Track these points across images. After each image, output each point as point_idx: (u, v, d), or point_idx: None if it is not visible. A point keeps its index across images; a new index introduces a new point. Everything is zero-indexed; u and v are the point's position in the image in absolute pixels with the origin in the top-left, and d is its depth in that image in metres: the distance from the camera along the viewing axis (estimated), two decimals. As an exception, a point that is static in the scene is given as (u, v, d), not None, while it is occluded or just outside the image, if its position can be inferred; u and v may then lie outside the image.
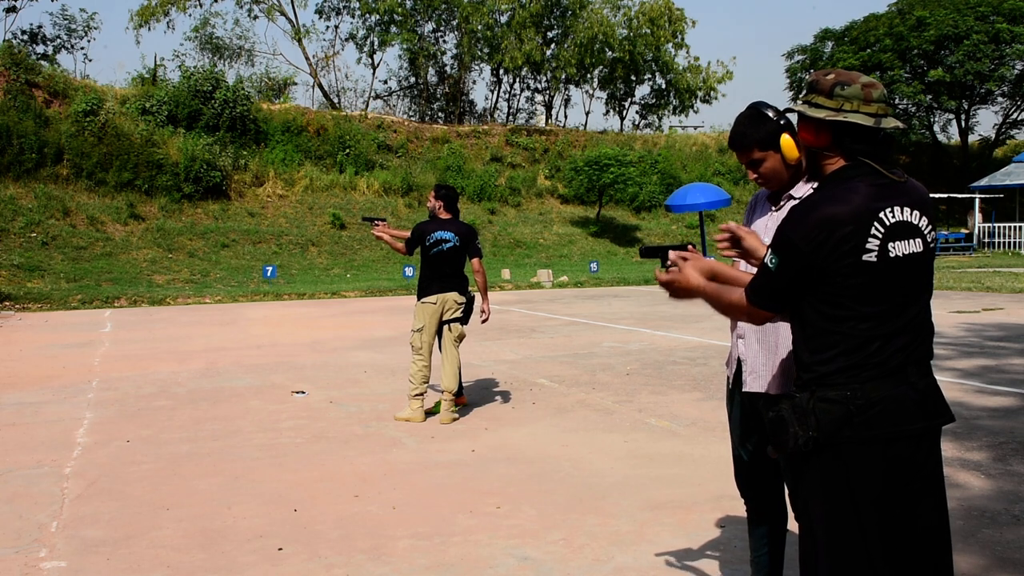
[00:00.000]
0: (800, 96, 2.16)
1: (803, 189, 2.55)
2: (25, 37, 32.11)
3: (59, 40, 33.04)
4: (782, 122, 2.55)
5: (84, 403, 6.92)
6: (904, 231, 1.99)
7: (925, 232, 2.03)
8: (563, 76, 35.48)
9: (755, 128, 2.54)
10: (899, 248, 1.98)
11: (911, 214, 2.01)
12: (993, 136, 38.83)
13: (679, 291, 2.28)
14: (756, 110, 2.57)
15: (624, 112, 39.70)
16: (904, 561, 1.99)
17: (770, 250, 2.05)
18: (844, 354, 1.98)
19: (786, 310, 2.11)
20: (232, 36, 35.64)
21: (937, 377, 2.11)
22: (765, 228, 2.62)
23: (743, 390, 2.58)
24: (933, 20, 32.27)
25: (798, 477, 2.11)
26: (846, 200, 1.97)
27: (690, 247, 2.40)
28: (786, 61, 38.93)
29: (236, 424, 6.10)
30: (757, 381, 2.54)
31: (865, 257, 1.96)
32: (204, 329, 12.16)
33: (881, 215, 1.97)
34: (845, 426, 1.96)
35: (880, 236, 1.96)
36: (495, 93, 39.74)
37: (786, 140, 2.52)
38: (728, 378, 2.76)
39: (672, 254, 2.33)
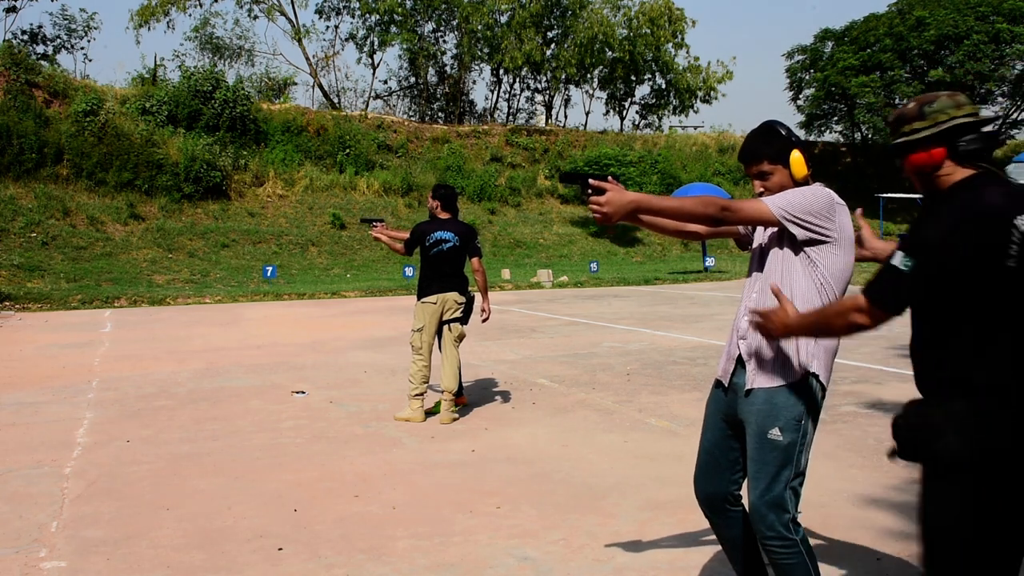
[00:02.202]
0: (892, 138, 2.22)
1: None
2: (25, 37, 32.15)
3: (59, 40, 33.09)
4: (793, 139, 2.59)
5: (84, 403, 6.92)
6: None
7: None
8: (563, 76, 35.49)
9: (767, 142, 2.60)
10: None
11: None
12: (993, 136, 38.80)
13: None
14: (769, 126, 2.63)
15: (624, 112, 39.74)
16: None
17: (901, 252, 2.02)
18: (1002, 362, 1.94)
19: (902, 313, 2.07)
20: (232, 36, 35.69)
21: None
22: (765, 231, 2.64)
23: (749, 387, 2.55)
24: (933, 20, 32.27)
25: (931, 490, 2.02)
26: (982, 206, 1.97)
27: (610, 179, 2.49)
28: (786, 61, 38.99)
29: (236, 424, 6.10)
30: (765, 378, 2.52)
31: (1008, 263, 1.94)
32: (204, 329, 12.15)
33: (1016, 221, 1.96)
34: (1011, 438, 1.90)
35: (1019, 241, 1.95)
36: (495, 93, 39.78)
37: (796, 156, 2.57)
38: (719, 378, 2.72)
39: (593, 181, 2.47)
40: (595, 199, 2.45)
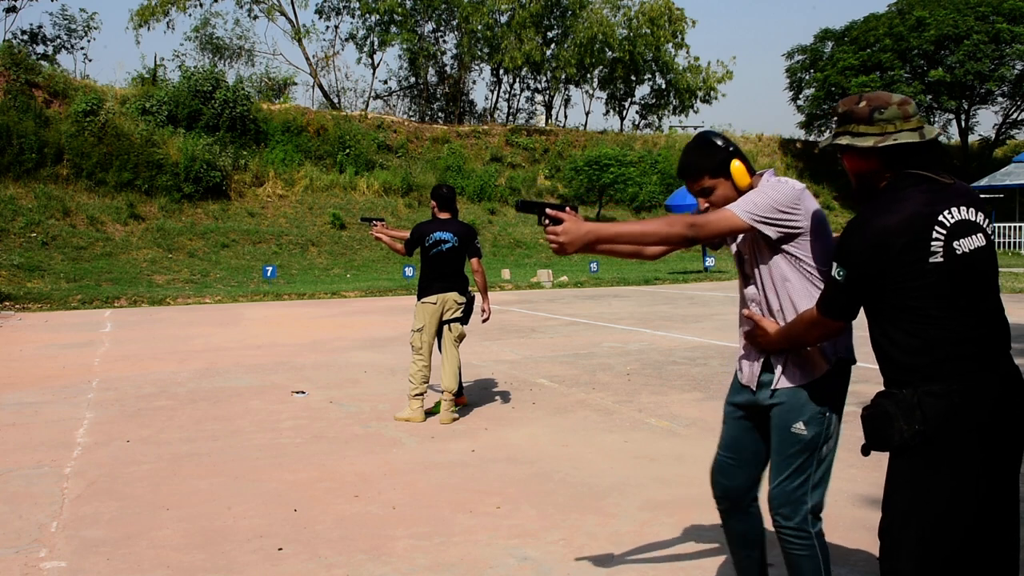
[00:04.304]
0: (837, 129, 2.26)
1: None
2: (25, 37, 32.18)
3: (59, 40, 33.12)
4: (731, 148, 2.54)
5: (84, 403, 6.92)
6: (966, 228, 2.07)
7: (984, 226, 2.12)
8: (563, 76, 35.52)
9: (705, 156, 2.55)
10: (965, 244, 2.07)
11: (968, 211, 2.10)
12: (993, 136, 38.88)
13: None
14: (705, 139, 2.58)
15: (624, 112, 39.79)
16: (987, 544, 2.05)
17: (835, 263, 2.15)
18: (936, 350, 2.05)
19: (855, 317, 2.22)
20: (232, 36, 35.71)
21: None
22: (741, 241, 2.63)
23: (776, 386, 2.52)
24: (933, 20, 32.28)
25: (889, 473, 2.15)
26: (898, 209, 2.06)
27: (568, 209, 2.46)
28: (786, 61, 39.02)
29: (236, 424, 6.10)
30: (791, 376, 2.50)
31: (932, 259, 2.04)
32: (204, 329, 12.15)
33: (940, 217, 2.06)
34: (951, 418, 2.02)
35: (943, 237, 2.04)
36: (495, 93, 39.81)
37: (736, 166, 2.52)
38: (746, 383, 2.65)
39: (551, 211, 2.43)
40: (552, 229, 2.40)
